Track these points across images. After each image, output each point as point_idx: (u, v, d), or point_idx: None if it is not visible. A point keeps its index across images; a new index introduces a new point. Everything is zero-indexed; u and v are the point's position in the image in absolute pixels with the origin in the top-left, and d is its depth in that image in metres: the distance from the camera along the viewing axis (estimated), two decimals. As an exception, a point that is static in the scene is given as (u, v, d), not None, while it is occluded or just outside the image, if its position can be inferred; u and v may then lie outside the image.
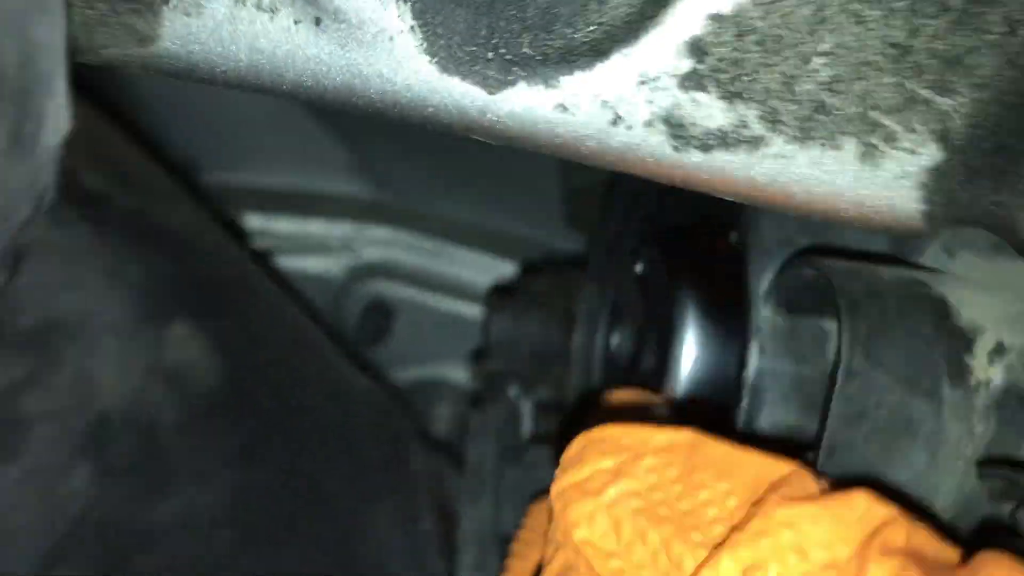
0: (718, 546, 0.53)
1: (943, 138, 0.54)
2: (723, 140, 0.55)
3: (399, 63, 0.55)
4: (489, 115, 0.56)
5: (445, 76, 0.55)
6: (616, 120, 0.55)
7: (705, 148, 0.56)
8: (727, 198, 0.59)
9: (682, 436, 0.57)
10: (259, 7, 0.54)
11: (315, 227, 1.62)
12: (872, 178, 0.55)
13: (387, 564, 1.12)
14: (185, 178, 1.53)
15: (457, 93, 0.56)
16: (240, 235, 1.60)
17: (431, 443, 1.30)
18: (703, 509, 0.56)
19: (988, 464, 0.64)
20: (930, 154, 0.54)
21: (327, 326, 1.38)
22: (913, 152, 0.54)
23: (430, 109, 0.56)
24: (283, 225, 1.62)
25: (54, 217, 0.96)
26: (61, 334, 0.89)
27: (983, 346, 0.66)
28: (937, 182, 0.55)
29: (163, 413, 0.94)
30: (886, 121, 0.54)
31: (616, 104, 0.55)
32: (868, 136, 0.54)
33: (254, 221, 1.61)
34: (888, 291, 0.67)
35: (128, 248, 1.00)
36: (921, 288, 0.68)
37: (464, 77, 0.55)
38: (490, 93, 0.55)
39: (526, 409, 1.15)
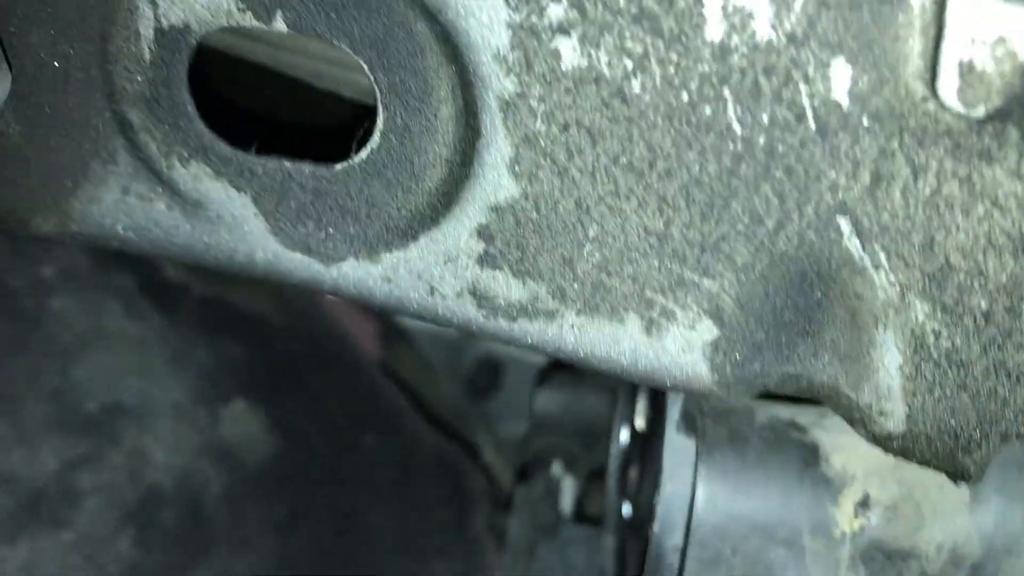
0: None
1: (717, 316, 0.55)
2: (524, 311, 0.59)
3: (253, 241, 0.63)
4: (329, 282, 0.63)
5: (288, 251, 0.63)
6: (432, 291, 0.61)
7: (510, 318, 0.60)
8: (555, 358, 0.63)
9: None
10: (139, 197, 0.64)
11: (432, 287, 1.73)
12: (660, 350, 0.57)
13: (441, 620, 1.20)
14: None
15: (300, 264, 0.63)
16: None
17: (501, 503, 1.37)
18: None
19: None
20: (707, 330, 0.56)
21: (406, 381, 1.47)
22: (692, 328, 0.56)
23: (284, 275, 0.64)
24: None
25: (129, 309, 1.12)
26: (121, 417, 1.04)
27: (850, 497, 0.66)
28: (721, 355, 0.57)
29: (210, 485, 1.06)
30: (660, 300, 0.56)
31: (429, 278, 0.61)
32: (648, 312, 0.57)
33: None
34: (755, 436, 0.68)
35: (198, 334, 1.14)
36: (793, 433, 0.68)
37: (303, 252, 0.63)
38: (326, 265, 0.62)
39: (567, 486, 1.19)
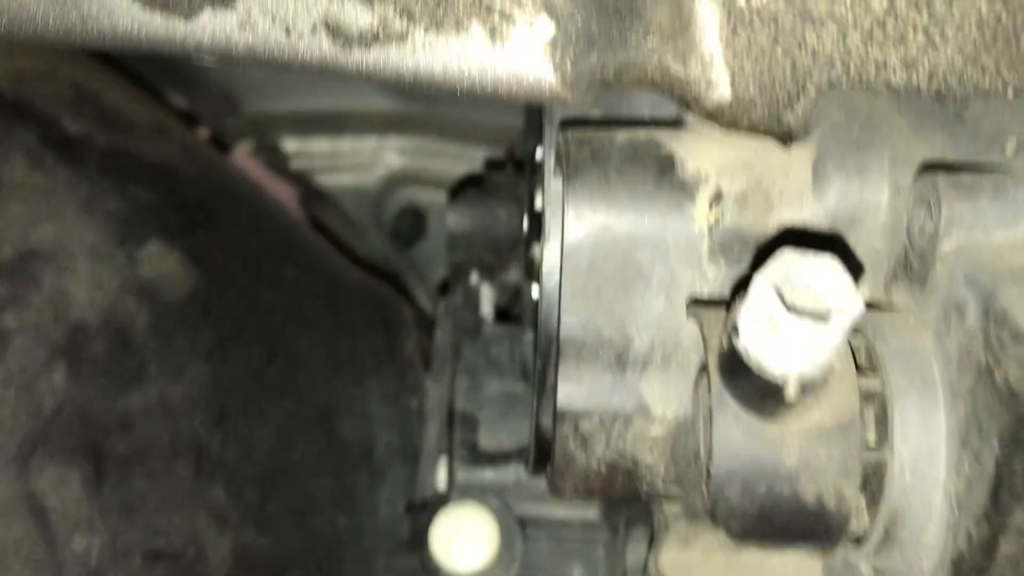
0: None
1: (551, 10, 0.59)
2: (376, 38, 0.63)
3: (116, 7, 0.66)
4: (192, 39, 0.66)
5: (149, 12, 0.66)
6: (288, 31, 0.64)
7: (365, 46, 0.63)
8: (411, 87, 0.66)
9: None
10: None
11: (346, 144, 1.75)
12: (504, 56, 0.61)
13: (373, 435, 1.26)
14: (224, 111, 1.70)
15: (162, 25, 0.66)
16: (281, 158, 1.76)
17: (429, 330, 1.42)
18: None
19: (691, 304, 0.69)
20: (544, 27, 0.60)
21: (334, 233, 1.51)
22: (531, 27, 0.60)
23: (149, 40, 0.67)
24: (318, 145, 1.76)
25: (34, 161, 1.13)
26: (38, 260, 1.06)
27: (704, 195, 0.71)
28: (560, 52, 0.61)
29: (136, 319, 1.10)
30: (498, 3, 0.60)
31: (283, 17, 0.64)
32: (489, 18, 0.60)
33: (291, 145, 1.76)
34: (615, 153, 0.72)
35: (106, 182, 1.16)
36: (649, 148, 0.73)
37: (163, 11, 0.65)
38: (187, 19, 0.65)
39: (485, 293, 1.25)
